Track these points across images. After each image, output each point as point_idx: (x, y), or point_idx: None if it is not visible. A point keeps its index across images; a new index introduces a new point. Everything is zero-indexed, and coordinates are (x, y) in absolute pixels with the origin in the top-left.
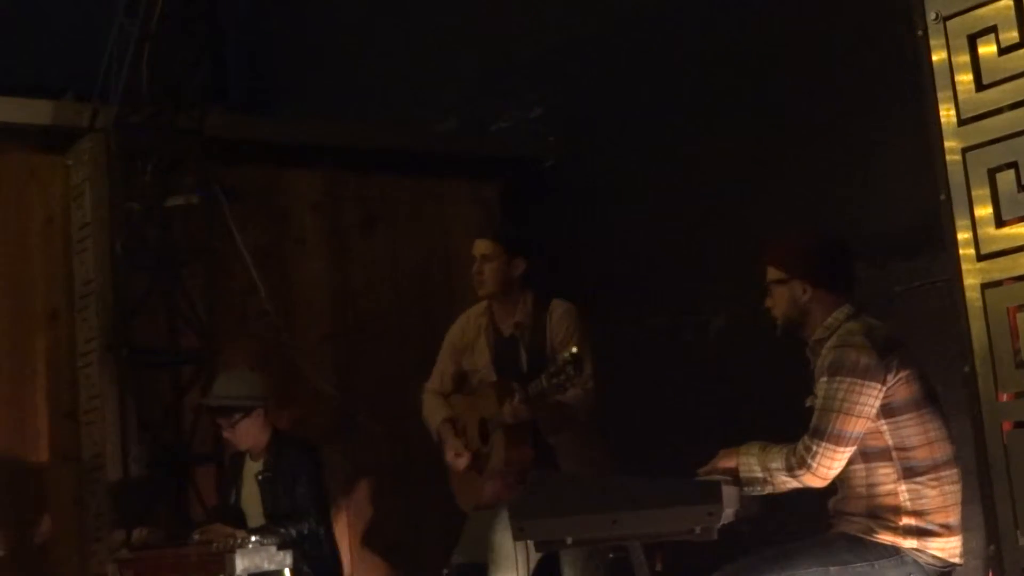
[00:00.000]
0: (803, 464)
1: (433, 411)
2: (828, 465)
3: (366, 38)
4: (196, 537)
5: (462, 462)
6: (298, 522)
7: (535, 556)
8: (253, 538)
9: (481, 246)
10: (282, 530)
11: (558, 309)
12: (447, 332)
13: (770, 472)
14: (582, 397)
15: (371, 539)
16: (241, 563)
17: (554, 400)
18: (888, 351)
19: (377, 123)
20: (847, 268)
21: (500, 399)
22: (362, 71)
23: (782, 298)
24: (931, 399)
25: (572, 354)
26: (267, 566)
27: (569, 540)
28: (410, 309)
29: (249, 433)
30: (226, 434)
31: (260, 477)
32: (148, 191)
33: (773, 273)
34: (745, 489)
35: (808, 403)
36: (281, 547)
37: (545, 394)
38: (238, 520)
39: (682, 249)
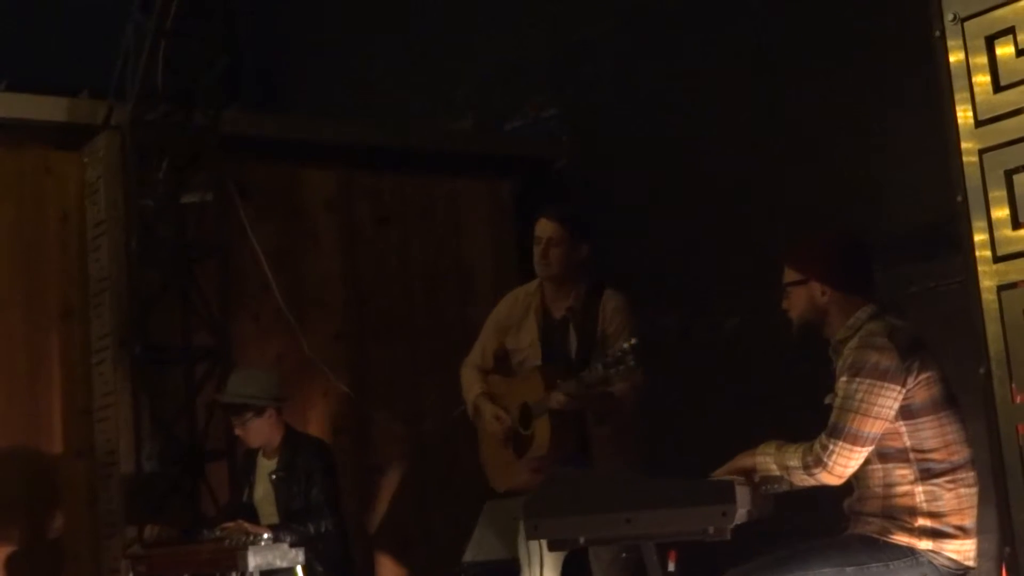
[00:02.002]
0: (819, 462)
1: (471, 384)
2: (844, 464)
3: (381, 36)
4: (217, 533)
5: (501, 427)
6: (314, 520)
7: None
8: (266, 535)
9: (548, 228)
10: (301, 527)
11: (612, 300)
12: (494, 308)
13: (787, 470)
14: (629, 390)
15: (384, 538)
16: (254, 560)
17: (603, 390)
18: (910, 353)
19: (391, 122)
20: (865, 269)
21: (547, 385)
22: (376, 69)
23: (799, 300)
24: (951, 402)
25: (632, 344)
26: (279, 563)
27: (582, 539)
28: (423, 307)
29: (261, 431)
30: (238, 431)
31: (274, 476)
32: (163, 188)
33: (790, 275)
34: (763, 488)
35: (827, 401)
36: (295, 544)
37: (599, 382)
38: (251, 518)
39: (694, 249)
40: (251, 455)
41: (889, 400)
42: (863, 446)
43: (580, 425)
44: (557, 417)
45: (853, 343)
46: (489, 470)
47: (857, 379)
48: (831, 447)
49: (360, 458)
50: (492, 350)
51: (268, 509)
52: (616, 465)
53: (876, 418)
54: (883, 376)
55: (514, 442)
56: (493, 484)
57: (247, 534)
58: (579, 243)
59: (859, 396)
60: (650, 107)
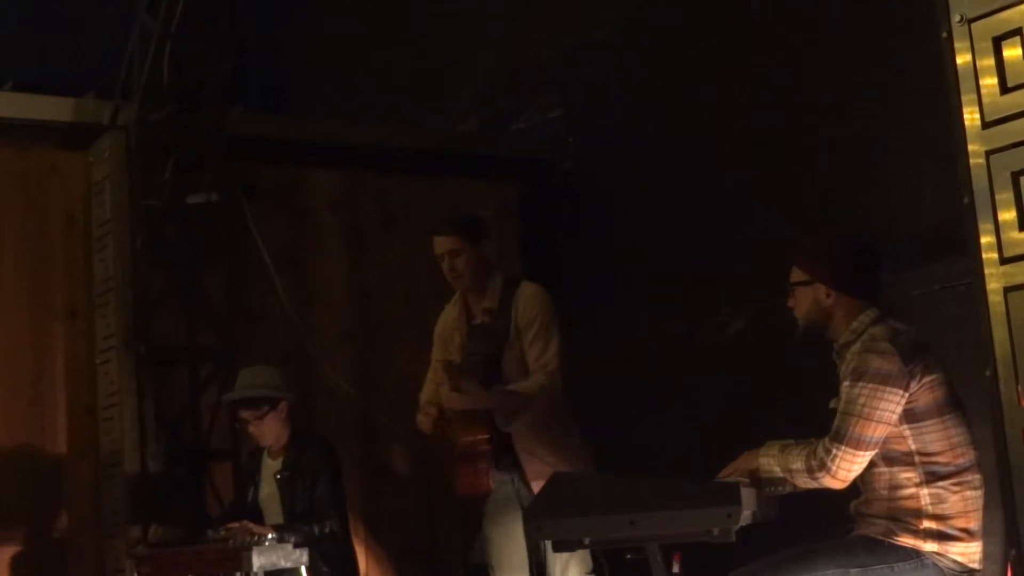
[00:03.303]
0: (823, 466)
1: (424, 395)
2: (847, 468)
3: (386, 38)
4: (223, 533)
5: (427, 420)
6: (319, 521)
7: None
8: (270, 535)
9: (444, 243)
10: (305, 528)
11: (526, 291)
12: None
13: (790, 472)
14: (540, 381)
15: (387, 540)
16: (258, 560)
17: (506, 389)
18: (913, 357)
19: (396, 123)
20: (873, 274)
21: (449, 382)
22: (382, 71)
23: (805, 300)
24: (955, 404)
25: (483, 322)
26: (284, 564)
27: (587, 540)
28: (428, 309)
29: (273, 428)
30: (252, 428)
31: (279, 476)
32: (168, 189)
33: (797, 274)
34: (766, 489)
35: (832, 405)
36: (299, 545)
37: (475, 367)
38: (256, 518)
39: (699, 252)
40: (256, 455)
41: (891, 404)
42: (866, 450)
43: (491, 423)
44: (462, 416)
45: (856, 348)
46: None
47: (860, 384)
48: (834, 451)
49: (365, 459)
50: (441, 364)
51: (273, 509)
52: (553, 465)
53: (879, 422)
54: (885, 380)
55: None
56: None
57: (251, 534)
58: (479, 243)
59: (861, 401)
60: (655, 108)
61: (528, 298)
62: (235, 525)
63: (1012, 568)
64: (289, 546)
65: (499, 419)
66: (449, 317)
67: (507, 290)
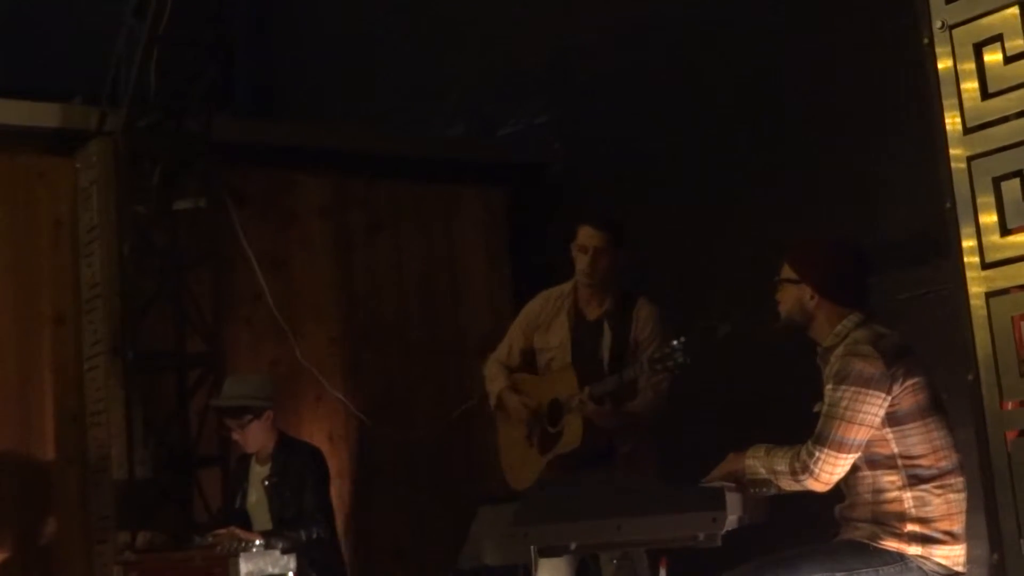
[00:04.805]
0: (806, 469)
1: (495, 377)
2: (830, 471)
3: (373, 43)
4: (210, 539)
5: (527, 411)
6: (307, 527)
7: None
8: (258, 541)
9: (596, 237)
10: (293, 534)
11: (646, 307)
12: (524, 306)
13: (775, 474)
14: (652, 400)
15: (377, 545)
16: (245, 567)
17: (625, 411)
18: (895, 360)
19: (384, 128)
20: (859, 283)
21: (582, 381)
22: (369, 76)
23: (789, 297)
24: (937, 408)
25: (682, 341)
26: (271, 570)
27: (573, 545)
28: (416, 313)
29: (258, 435)
30: (235, 435)
31: (267, 482)
32: (156, 194)
33: (787, 272)
34: (752, 491)
35: (816, 409)
36: (286, 551)
37: (640, 377)
38: (244, 524)
39: (687, 255)
40: (244, 461)
41: (874, 407)
42: (849, 453)
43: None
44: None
45: (839, 351)
46: (507, 469)
47: (842, 387)
48: (817, 454)
49: (353, 464)
50: (519, 348)
51: (261, 515)
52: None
53: (861, 425)
54: (868, 383)
55: (539, 439)
56: (512, 484)
57: (239, 541)
58: (618, 251)
59: (844, 403)
60: (642, 114)
61: (648, 316)
62: (222, 531)
63: (995, 572)
64: (276, 552)
65: (616, 438)
66: (549, 305)
67: (626, 301)
